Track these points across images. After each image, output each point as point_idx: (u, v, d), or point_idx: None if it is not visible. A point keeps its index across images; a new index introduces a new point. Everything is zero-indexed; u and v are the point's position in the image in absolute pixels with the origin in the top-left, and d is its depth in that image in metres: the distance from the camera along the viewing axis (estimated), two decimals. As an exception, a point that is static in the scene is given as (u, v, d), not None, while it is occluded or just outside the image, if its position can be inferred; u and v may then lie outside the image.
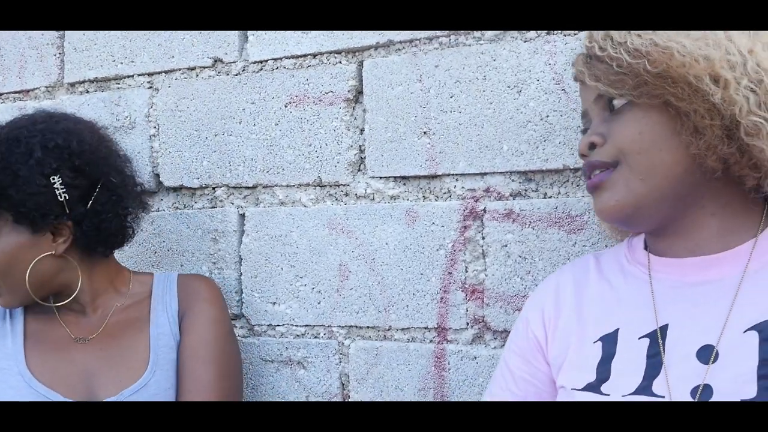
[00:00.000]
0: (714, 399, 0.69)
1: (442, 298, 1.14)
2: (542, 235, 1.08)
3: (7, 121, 1.09)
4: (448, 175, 1.14)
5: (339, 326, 1.21)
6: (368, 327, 1.19)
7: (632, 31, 0.74)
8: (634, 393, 0.74)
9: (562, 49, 1.06)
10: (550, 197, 1.09)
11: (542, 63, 1.07)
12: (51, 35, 1.44)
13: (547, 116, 1.07)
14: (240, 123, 1.27)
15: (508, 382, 0.91)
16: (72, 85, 1.42)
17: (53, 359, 1.05)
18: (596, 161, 0.79)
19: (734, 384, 0.68)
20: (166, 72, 1.34)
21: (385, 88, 1.17)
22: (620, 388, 0.76)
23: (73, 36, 1.41)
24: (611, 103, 0.79)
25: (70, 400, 1.00)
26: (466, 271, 1.13)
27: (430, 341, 1.15)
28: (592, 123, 0.82)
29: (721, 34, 0.71)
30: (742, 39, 0.71)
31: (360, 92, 1.20)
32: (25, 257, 1.03)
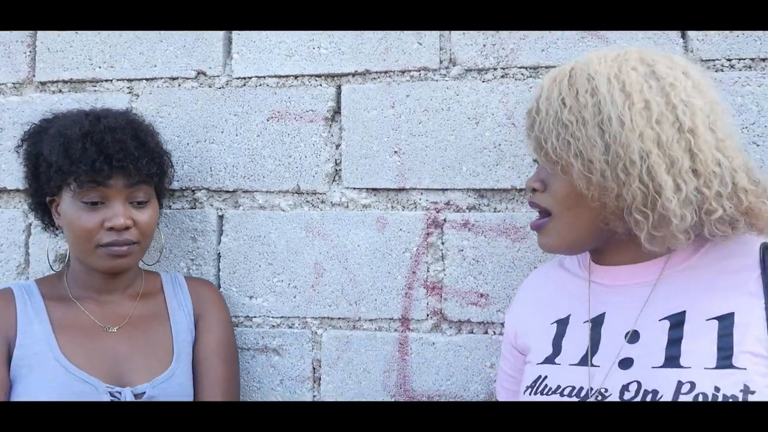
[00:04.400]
0: (633, 368, 0.92)
1: (406, 294, 1.34)
2: (492, 243, 1.31)
3: (95, 112, 1.23)
4: (415, 189, 1.34)
5: (313, 318, 1.37)
6: (340, 318, 1.37)
7: (561, 120, 0.91)
8: (578, 364, 0.98)
9: (513, 90, 1.29)
10: (499, 211, 1.32)
11: (497, 101, 1.30)
12: (21, 33, 1.46)
13: (500, 145, 1.30)
14: (222, 132, 1.39)
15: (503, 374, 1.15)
16: (43, 83, 1.46)
17: (86, 345, 1.12)
18: (538, 205, 1.01)
19: (648, 356, 0.92)
20: (147, 80, 1.42)
21: (361, 110, 1.34)
22: (568, 359, 1.00)
23: (46, 36, 1.45)
24: None
25: (108, 385, 1.09)
26: (428, 271, 1.33)
27: (395, 330, 1.35)
28: (537, 167, 1.03)
29: (629, 134, 0.87)
30: (646, 141, 0.86)
31: (338, 112, 1.36)
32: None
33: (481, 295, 1.32)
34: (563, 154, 0.92)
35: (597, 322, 1.00)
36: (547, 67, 1.28)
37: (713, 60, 1.24)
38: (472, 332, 1.33)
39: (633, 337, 0.95)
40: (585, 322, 1.01)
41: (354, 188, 1.36)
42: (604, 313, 1.00)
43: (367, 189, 1.35)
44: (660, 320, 0.93)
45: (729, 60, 1.24)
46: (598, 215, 0.94)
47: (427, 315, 1.34)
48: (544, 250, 1.02)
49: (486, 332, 1.32)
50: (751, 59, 1.23)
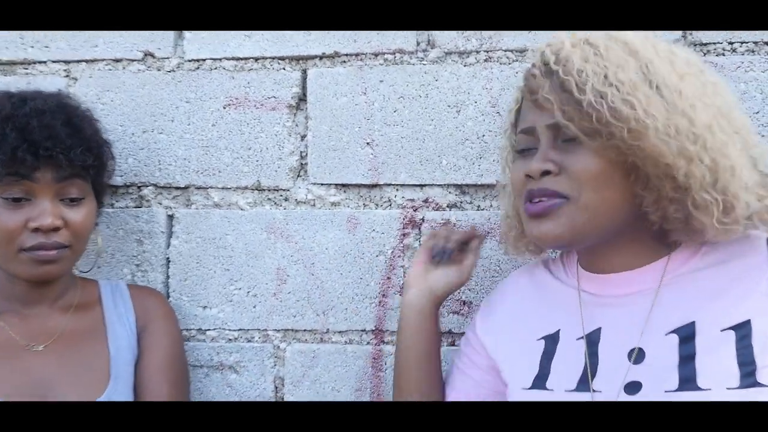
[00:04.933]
0: (642, 392, 0.80)
1: (380, 302, 1.20)
2: (475, 244, 1.18)
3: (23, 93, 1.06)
4: (390, 185, 1.20)
5: (275, 330, 1.22)
6: (305, 330, 1.22)
7: (610, 80, 0.78)
8: (576, 389, 0.85)
9: (498, 75, 1.17)
10: (483, 209, 1.19)
11: (480, 87, 1.17)
12: (-59, 8, 1.28)
13: (483, 136, 1.18)
14: (173, 121, 1.23)
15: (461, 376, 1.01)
16: (-34, 65, 1.28)
17: (3, 367, 0.95)
18: (550, 190, 0.83)
19: (659, 379, 0.79)
20: (87, 61, 1.25)
21: (329, 97, 1.20)
22: (562, 384, 0.86)
23: (-30, 12, 1.27)
24: (564, 131, 0.83)
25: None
26: (404, 276, 1.20)
27: (368, 343, 1.21)
28: (541, 147, 0.85)
29: (687, 103, 0.77)
30: (702, 113, 0.77)
31: (303, 99, 1.22)
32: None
33: (464, 303, 1.19)
34: (629, 114, 0.77)
35: (592, 340, 0.87)
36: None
37: (714, 43, 1.14)
38: (453, 344, 1.19)
39: (638, 356, 0.82)
40: (578, 339, 0.88)
41: (321, 184, 1.21)
42: (600, 329, 0.87)
43: (336, 185, 1.21)
44: (667, 334, 0.81)
45: (731, 44, 1.14)
46: (634, 200, 0.82)
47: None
48: (541, 241, 0.85)
49: (469, 344, 1.19)
50: (754, 43, 1.13)
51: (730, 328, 0.78)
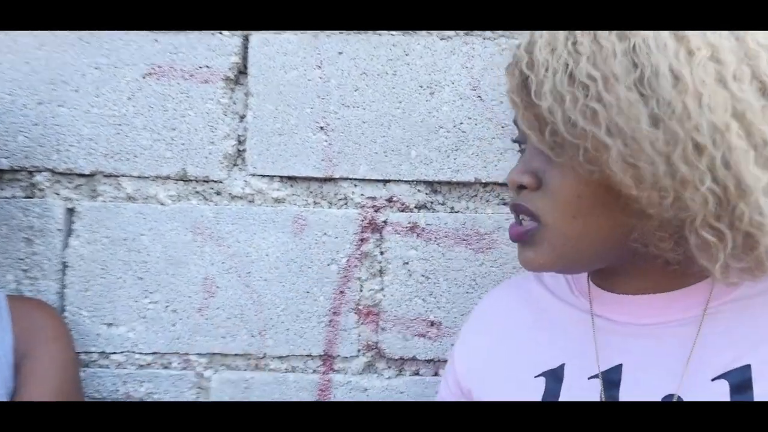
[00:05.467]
0: None
1: (330, 321, 0.98)
2: (448, 253, 0.98)
3: None
4: (346, 179, 0.99)
5: (199, 354, 0.99)
6: (237, 355, 0.99)
7: (576, 77, 0.59)
8: None
9: (480, 52, 0.98)
10: (457, 212, 0.99)
11: (458, 65, 0.98)
12: None
13: (461, 123, 0.98)
14: (77, 92, 0.99)
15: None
16: None
17: None
18: (523, 207, 0.66)
19: None
20: (-32, 12, 0.99)
21: (276, 70, 0.98)
22: None
23: None
24: None
25: None
26: (361, 290, 0.98)
27: (314, 371, 0.99)
28: (525, 152, 0.68)
29: (691, 100, 0.55)
30: (711, 114, 0.55)
31: (243, 72, 1.00)
32: None
33: (432, 324, 0.98)
34: (586, 129, 0.58)
35: (611, 380, 0.68)
36: (524, 25, 0.98)
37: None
38: (417, 374, 0.99)
39: None
40: (591, 378, 0.69)
41: (262, 176, 0.99)
42: (621, 366, 0.68)
43: (280, 177, 0.99)
44: (714, 380, 0.63)
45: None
46: (626, 229, 0.63)
47: (359, 350, 0.99)
48: (527, 268, 0.69)
49: (436, 373, 0.99)
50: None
51: None
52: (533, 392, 0.71)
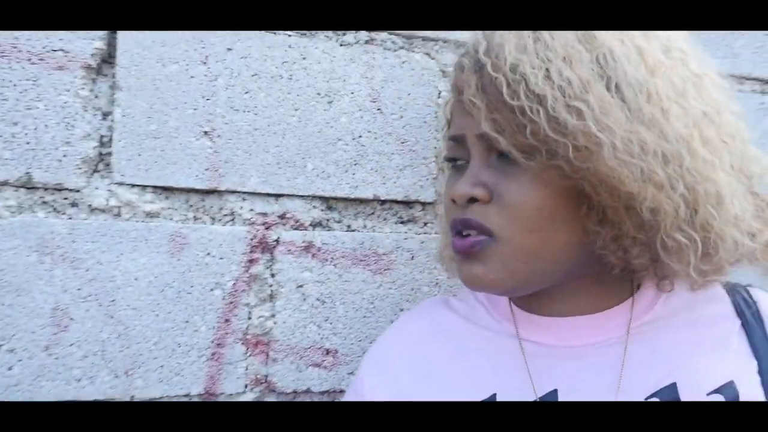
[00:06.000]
0: None
1: (214, 354, 0.86)
2: (345, 275, 0.91)
3: None
4: (234, 192, 0.88)
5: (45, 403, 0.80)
6: (96, 401, 0.82)
7: (552, 77, 0.58)
8: None
9: (381, 63, 0.93)
10: (355, 230, 0.93)
11: (358, 74, 0.92)
12: None
13: (360, 136, 0.92)
14: None
15: None
16: None
17: None
18: (475, 221, 0.63)
19: None
20: None
21: (151, 62, 0.84)
22: None
23: None
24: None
25: None
26: (249, 318, 0.88)
27: (193, 413, 0.85)
28: (471, 163, 0.65)
29: (657, 108, 0.58)
30: (678, 122, 0.58)
31: (109, 61, 0.83)
32: None
33: (328, 352, 0.91)
34: (576, 126, 0.56)
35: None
36: (434, 40, 0.95)
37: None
38: (309, 407, 0.90)
39: None
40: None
41: (132, 185, 0.84)
42: (556, 391, 0.67)
43: (154, 187, 0.85)
44: (647, 398, 0.65)
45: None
46: (586, 237, 0.62)
47: (246, 385, 0.88)
48: (470, 286, 0.66)
49: (329, 405, 0.91)
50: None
51: (716, 391, 0.64)
52: None
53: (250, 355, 0.87)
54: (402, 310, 0.93)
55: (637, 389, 0.65)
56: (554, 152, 0.58)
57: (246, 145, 0.87)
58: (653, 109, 0.58)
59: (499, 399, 0.68)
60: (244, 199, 0.88)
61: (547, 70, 0.58)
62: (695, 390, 0.64)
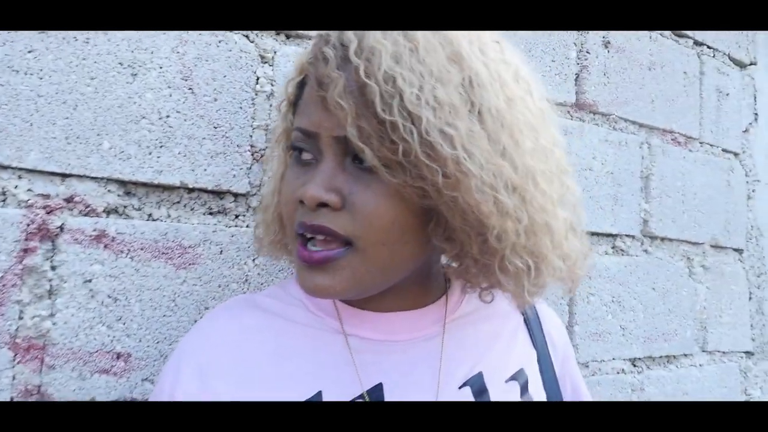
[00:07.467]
0: None
1: (-30, 362, 0.71)
2: (143, 269, 0.81)
3: None
4: (7, 167, 0.74)
5: None
6: None
7: (426, 97, 0.56)
8: None
9: (195, 38, 0.86)
10: (157, 220, 0.84)
11: (168, 48, 0.84)
12: None
13: (168, 116, 0.83)
14: None
15: None
16: None
17: None
18: (327, 229, 0.59)
19: None
20: None
21: None
22: None
23: None
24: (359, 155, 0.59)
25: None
26: (21, 318, 0.74)
27: (-63, 436, 0.69)
28: (323, 165, 0.61)
29: (511, 140, 0.59)
30: (526, 154, 0.60)
31: None
32: None
33: (119, 356, 0.80)
34: (447, 153, 0.55)
35: (373, 399, 0.66)
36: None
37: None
38: (93, 420, 0.79)
39: None
40: (357, 399, 0.66)
41: None
42: (381, 384, 0.66)
43: None
44: (461, 387, 0.68)
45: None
46: (430, 248, 0.64)
47: (12, 398, 0.73)
48: (312, 294, 0.62)
49: (117, 417, 0.80)
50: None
51: (512, 378, 0.71)
52: None
53: (19, 362, 0.73)
54: (207, 308, 0.85)
55: (452, 380, 0.68)
56: (422, 176, 0.56)
57: (26, 113, 0.74)
58: (508, 140, 0.59)
59: (325, 396, 0.64)
60: (20, 177, 0.75)
61: (421, 87, 0.56)
62: (497, 378, 0.69)
